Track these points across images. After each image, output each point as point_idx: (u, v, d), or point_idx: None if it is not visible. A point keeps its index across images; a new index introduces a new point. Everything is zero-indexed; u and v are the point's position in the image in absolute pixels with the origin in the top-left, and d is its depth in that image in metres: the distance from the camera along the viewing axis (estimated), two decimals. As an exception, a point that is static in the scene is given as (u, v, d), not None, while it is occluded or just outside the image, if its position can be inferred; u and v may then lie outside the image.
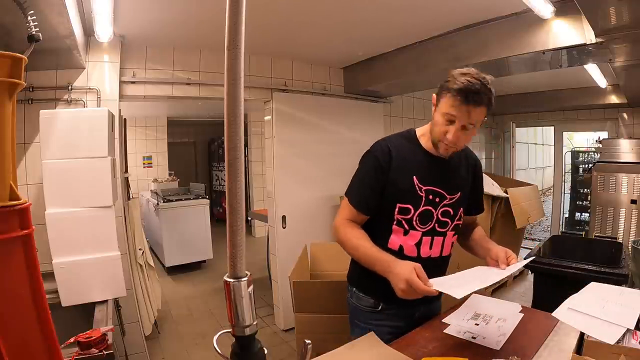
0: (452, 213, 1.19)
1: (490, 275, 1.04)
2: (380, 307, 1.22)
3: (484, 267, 1.15)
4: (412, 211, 1.14)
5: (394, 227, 1.16)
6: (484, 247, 1.22)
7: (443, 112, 1.07)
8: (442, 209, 1.17)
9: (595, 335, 0.96)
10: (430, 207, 1.15)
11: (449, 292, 0.91)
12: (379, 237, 1.16)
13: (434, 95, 1.14)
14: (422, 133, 1.22)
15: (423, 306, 1.24)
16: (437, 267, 1.21)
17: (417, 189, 1.14)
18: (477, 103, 1.03)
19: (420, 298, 1.07)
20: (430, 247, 1.18)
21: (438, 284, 0.95)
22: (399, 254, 1.15)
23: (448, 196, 1.18)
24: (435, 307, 1.32)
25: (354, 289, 1.29)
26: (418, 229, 1.15)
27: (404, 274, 0.95)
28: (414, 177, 1.14)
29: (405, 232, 1.15)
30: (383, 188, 1.15)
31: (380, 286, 1.15)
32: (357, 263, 1.25)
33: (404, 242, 1.16)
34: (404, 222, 1.15)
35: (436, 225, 1.18)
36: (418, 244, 1.16)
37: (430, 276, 0.98)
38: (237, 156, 0.51)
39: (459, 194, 1.20)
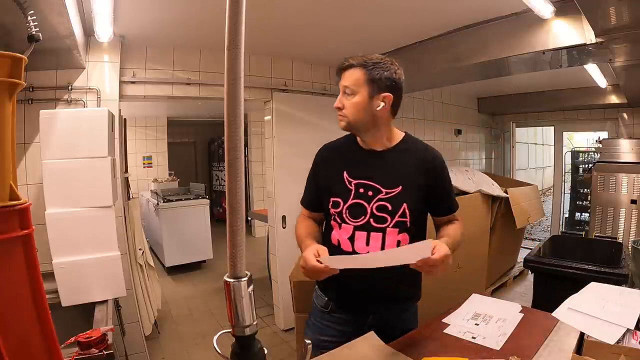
0: (390, 208, 1.13)
1: (390, 258, 1.03)
2: (329, 308, 1.23)
3: (391, 250, 1.13)
4: (342, 204, 1.16)
5: (332, 222, 1.20)
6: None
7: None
8: (377, 204, 1.14)
9: (595, 335, 0.96)
10: (361, 201, 1.15)
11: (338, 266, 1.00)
12: (326, 233, 1.23)
13: None
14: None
15: (375, 315, 1.19)
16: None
17: (347, 182, 1.17)
18: (347, 67, 1.16)
19: (372, 306, 1.19)
20: (367, 243, 1.15)
21: (331, 261, 1.00)
22: (338, 248, 1.17)
23: (384, 190, 1.15)
24: (390, 316, 1.21)
25: (316, 285, 1.31)
26: (349, 222, 1.16)
27: (304, 253, 1.04)
28: (344, 171, 1.18)
29: (339, 226, 1.18)
30: (318, 185, 1.25)
31: (334, 287, 1.21)
32: None
33: (339, 237, 1.18)
34: (336, 215, 1.18)
35: (371, 220, 1.14)
36: (351, 239, 1.16)
37: (376, 273, 0.98)
38: (237, 156, 0.51)
39: (399, 188, 1.14)
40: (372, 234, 1.15)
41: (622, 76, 2.84)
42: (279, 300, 3.08)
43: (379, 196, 1.15)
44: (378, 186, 1.15)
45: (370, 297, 1.18)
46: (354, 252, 1.15)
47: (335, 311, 1.22)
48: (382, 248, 1.15)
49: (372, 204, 1.15)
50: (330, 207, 1.18)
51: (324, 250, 1.03)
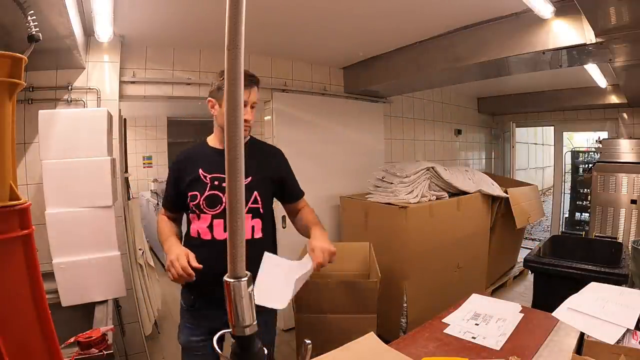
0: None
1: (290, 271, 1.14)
2: (196, 305, 1.33)
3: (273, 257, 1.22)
4: (199, 196, 1.30)
5: (190, 215, 1.34)
6: (309, 235, 1.36)
7: None
8: None
9: (595, 335, 0.96)
10: (216, 192, 1.30)
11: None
12: (187, 229, 1.36)
13: (211, 99, 1.35)
14: (210, 137, 1.43)
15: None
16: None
17: (203, 177, 1.31)
18: (252, 83, 1.36)
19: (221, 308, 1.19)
20: (225, 230, 1.17)
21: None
22: (198, 239, 1.30)
23: None
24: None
25: (181, 285, 1.34)
26: (207, 212, 1.29)
27: (176, 252, 1.14)
28: (200, 169, 1.32)
29: (198, 217, 1.31)
30: (177, 186, 1.36)
31: (197, 283, 1.21)
32: None
33: (199, 227, 1.30)
34: (194, 207, 1.30)
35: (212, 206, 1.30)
36: (210, 227, 1.29)
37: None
38: (237, 156, 0.51)
39: (248, 179, 1.30)
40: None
41: (622, 76, 2.84)
42: (279, 300, 3.07)
43: None
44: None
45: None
46: (213, 239, 1.29)
47: (202, 308, 1.32)
48: (247, 236, 1.20)
49: (221, 191, 1.30)
50: (189, 201, 1.31)
51: (193, 256, 1.14)
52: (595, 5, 1.59)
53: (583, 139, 6.78)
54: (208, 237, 1.29)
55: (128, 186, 2.84)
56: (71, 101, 2.15)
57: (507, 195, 3.23)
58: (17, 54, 0.79)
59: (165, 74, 2.53)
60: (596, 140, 5.39)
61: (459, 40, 2.43)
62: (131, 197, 2.92)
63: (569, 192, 5.56)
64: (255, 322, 0.56)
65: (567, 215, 5.45)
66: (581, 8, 1.65)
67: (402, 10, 2.10)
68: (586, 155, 5.60)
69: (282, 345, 2.83)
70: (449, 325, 1.17)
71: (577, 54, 2.19)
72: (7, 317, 0.74)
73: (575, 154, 5.62)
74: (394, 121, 3.91)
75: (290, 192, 1.49)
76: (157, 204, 4.48)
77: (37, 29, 1.29)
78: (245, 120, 1.27)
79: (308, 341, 0.68)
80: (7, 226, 0.76)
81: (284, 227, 3.03)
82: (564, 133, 5.29)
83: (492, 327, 1.14)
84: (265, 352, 0.60)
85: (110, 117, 2.00)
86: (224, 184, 1.25)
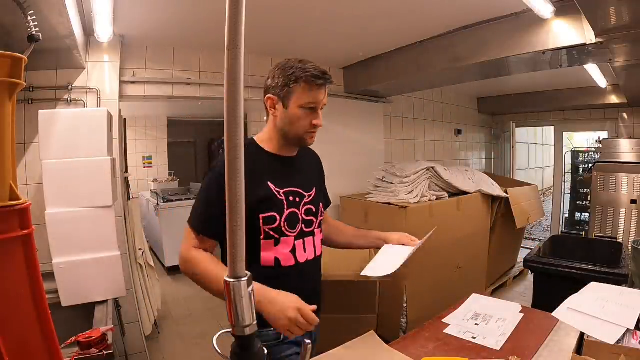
0: (314, 210, 1.16)
1: (403, 250, 1.20)
2: (282, 337, 1.07)
3: (391, 246, 1.26)
4: (278, 218, 1.06)
5: (263, 241, 1.06)
6: (373, 237, 1.30)
7: (302, 103, 1.04)
8: (304, 208, 1.13)
9: (595, 335, 0.96)
10: (294, 209, 1.10)
11: (380, 273, 1.09)
12: (250, 259, 1.05)
13: (271, 96, 1.07)
14: (263, 139, 1.13)
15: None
16: (315, 267, 1.19)
17: (276, 193, 1.07)
18: (328, 82, 1.06)
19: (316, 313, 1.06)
20: (305, 250, 1.13)
21: (371, 271, 1.10)
22: (277, 268, 1.07)
23: (306, 194, 1.14)
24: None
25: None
26: (289, 234, 1.08)
27: (291, 301, 0.89)
28: (268, 182, 1.07)
29: (277, 242, 1.07)
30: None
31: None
32: None
33: (278, 254, 1.07)
34: (271, 232, 1.06)
35: (303, 226, 1.12)
36: (293, 251, 1.09)
37: (312, 278, 1.03)
38: (237, 156, 0.51)
39: (314, 189, 1.18)
40: (307, 239, 1.13)
41: (622, 76, 2.84)
42: (279, 300, 3.07)
43: (305, 200, 1.14)
44: (301, 190, 1.13)
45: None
46: (297, 264, 1.09)
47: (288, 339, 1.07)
48: (315, 251, 1.17)
49: (301, 209, 1.12)
50: (261, 224, 1.05)
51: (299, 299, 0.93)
52: (595, 5, 1.59)
53: (583, 139, 6.78)
54: (291, 262, 1.09)
55: (128, 186, 2.84)
56: (71, 101, 2.15)
57: (507, 195, 3.23)
58: (17, 54, 0.79)
59: (165, 74, 2.53)
60: (596, 140, 5.39)
61: (459, 40, 2.43)
62: (131, 197, 2.92)
63: (569, 192, 5.56)
64: (255, 322, 0.56)
65: (567, 215, 5.45)
66: (581, 8, 1.65)
67: (402, 11, 2.10)
68: (586, 155, 5.60)
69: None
70: (449, 325, 1.17)
71: (577, 54, 2.19)
72: (7, 317, 0.74)
73: (575, 154, 5.62)
74: (394, 121, 3.91)
75: (325, 198, 1.32)
76: (157, 204, 4.48)
77: (37, 29, 1.29)
78: (317, 126, 1.09)
79: (308, 341, 0.69)
80: (7, 226, 0.76)
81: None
82: (564, 133, 5.29)
83: (492, 327, 1.13)
84: (265, 352, 0.60)
85: (110, 117, 2.00)
86: (297, 199, 1.11)
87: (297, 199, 1.11)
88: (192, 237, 1.05)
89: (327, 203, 1.33)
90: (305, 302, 0.94)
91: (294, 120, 1.06)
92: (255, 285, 0.88)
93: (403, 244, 1.26)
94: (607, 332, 0.96)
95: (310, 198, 1.16)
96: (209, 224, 1.04)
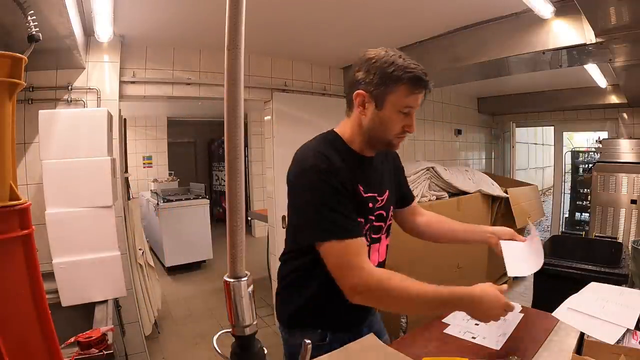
0: (384, 215, 1.08)
1: (523, 246, 1.16)
2: (327, 339, 1.05)
3: (508, 242, 1.19)
4: (363, 224, 1.00)
5: None
6: (484, 231, 1.22)
7: (399, 106, 0.93)
8: (376, 213, 1.05)
9: (595, 335, 0.96)
10: (370, 216, 1.03)
11: (530, 271, 1.07)
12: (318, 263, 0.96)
13: (362, 92, 0.94)
14: (346, 137, 1.03)
15: (367, 329, 1.14)
16: None
17: (364, 198, 0.99)
18: (428, 87, 0.96)
19: (364, 321, 1.13)
20: (369, 257, 1.04)
21: (518, 270, 1.08)
22: None
23: (379, 198, 1.06)
24: (378, 330, 1.19)
25: (291, 330, 1.11)
26: (369, 240, 1.04)
27: (499, 299, 0.91)
28: (359, 185, 0.98)
29: None
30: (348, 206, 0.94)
31: (327, 315, 1.05)
32: (291, 299, 1.10)
33: None
34: None
35: (371, 233, 1.05)
36: (368, 255, 1.03)
37: None
38: (237, 156, 0.51)
39: (387, 193, 1.09)
40: (372, 246, 1.06)
41: (622, 76, 2.84)
42: (279, 300, 3.07)
43: (377, 205, 1.05)
44: (376, 195, 1.05)
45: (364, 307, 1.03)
46: None
47: (333, 338, 1.06)
48: (378, 257, 1.10)
49: (373, 215, 1.04)
50: None
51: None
52: (595, 5, 1.59)
53: (583, 139, 6.78)
54: None
55: (128, 186, 2.85)
56: (71, 101, 2.15)
57: (507, 195, 3.23)
58: (17, 54, 0.79)
59: (165, 74, 2.53)
60: (596, 140, 5.39)
61: (459, 40, 2.43)
62: (131, 197, 2.92)
63: (569, 192, 5.57)
64: (255, 322, 0.56)
65: (567, 215, 5.45)
66: (581, 8, 1.65)
67: (402, 10, 2.10)
68: (586, 155, 5.60)
69: (281, 345, 2.83)
70: (449, 325, 1.16)
71: (577, 54, 2.19)
72: (7, 317, 0.74)
73: (575, 154, 5.63)
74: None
75: (409, 194, 1.26)
76: (157, 204, 4.48)
77: (37, 29, 1.29)
78: (409, 132, 0.99)
79: (308, 341, 0.68)
80: (7, 226, 0.76)
81: (284, 227, 3.03)
82: (564, 133, 5.29)
83: (492, 327, 1.13)
84: (265, 352, 0.60)
85: (110, 117, 2.00)
86: (371, 204, 1.02)
87: (371, 205, 1.03)
88: (353, 247, 0.90)
89: (411, 197, 1.27)
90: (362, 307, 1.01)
91: (386, 123, 0.95)
92: (457, 289, 0.96)
93: (512, 239, 1.18)
94: (607, 332, 0.96)
95: (383, 202, 1.07)
96: (353, 226, 0.93)
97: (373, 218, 1.04)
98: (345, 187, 0.93)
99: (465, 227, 1.26)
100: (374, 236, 1.06)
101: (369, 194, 1.01)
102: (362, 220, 0.99)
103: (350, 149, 1.02)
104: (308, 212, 0.93)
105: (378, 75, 0.92)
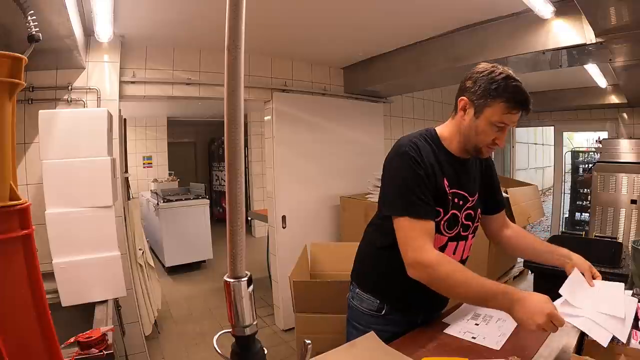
0: (473, 215, 1.17)
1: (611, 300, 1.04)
2: (384, 312, 1.17)
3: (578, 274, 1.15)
4: (442, 215, 1.08)
5: None
6: (560, 254, 1.22)
7: (494, 120, 1.02)
8: (465, 212, 1.14)
9: (595, 336, 0.96)
10: (456, 211, 1.11)
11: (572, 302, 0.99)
12: (393, 251, 1.08)
13: (465, 99, 1.06)
14: (445, 136, 1.13)
15: (426, 314, 1.22)
16: None
17: (447, 192, 1.09)
18: (528, 111, 1.06)
19: (426, 305, 1.18)
20: (454, 252, 1.16)
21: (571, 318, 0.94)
22: None
23: (470, 198, 1.15)
24: (438, 315, 1.27)
25: (358, 289, 1.23)
26: (445, 234, 1.11)
27: (544, 307, 0.88)
28: (444, 179, 1.08)
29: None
30: (428, 188, 1.04)
31: (389, 288, 1.16)
32: (364, 260, 1.26)
33: None
34: None
35: (461, 229, 1.14)
36: (442, 249, 1.10)
37: None
38: (237, 156, 0.51)
39: (477, 195, 1.19)
40: (460, 242, 1.16)
41: (622, 76, 2.84)
42: (279, 300, 3.08)
43: (467, 205, 1.14)
44: (466, 194, 1.14)
45: (434, 297, 1.08)
46: None
47: (389, 313, 1.16)
48: (462, 254, 1.19)
49: (462, 213, 1.13)
50: None
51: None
52: (595, 5, 1.59)
53: (583, 139, 6.78)
54: None
55: (128, 186, 2.85)
56: (71, 101, 2.15)
57: (507, 195, 3.23)
58: (17, 54, 0.79)
59: (165, 74, 2.54)
60: (596, 140, 5.39)
61: (459, 40, 2.43)
62: (131, 197, 2.92)
63: (569, 192, 5.57)
64: (255, 322, 0.56)
65: (567, 215, 5.45)
66: (581, 8, 1.65)
67: (402, 10, 2.10)
68: (586, 155, 5.60)
69: (281, 345, 2.83)
70: (449, 325, 1.16)
71: (577, 54, 2.19)
72: (7, 317, 0.74)
73: (575, 154, 5.62)
74: (394, 121, 3.91)
75: (494, 202, 1.29)
76: (157, 204, 4.48)
77: (37, 29, 1.29)
78: (498, 146, 1.07)
79: (308, 341, 0.68)
80: (7, 226, 0.75)
81: (284, 227, 3.03)
82: (564, 133, 5.29)
83: (492, 327, 1.13)
84: (265, 352, 0.60)
85: (110, 117, 2.00)
86: (461, 202, 1.12)
87: (461, 202, 1.12)
88: (420, 228, 1.00)
89: (501, 206, 1.31)
90: (442, 300, 1.18)
91: (479, 132, 1.05)
92: (502, 287, 0.96)
93: (582, 272, 1.17)
94: (606, 329, 0.96)
95: (473, 203, 1.16)
96: (426, 209, 1.02)
97: (459, 214, 1.12)
98: (427, 177, 1.04)
99: (546, 248, 1.28)
100: (462, 233, 1.15)
101: (454, 190, 1.10)
102: (442, 210, 1.08)
103: (442, 147, 1.12)
104: (392, 189, 1.08)
105: (482, 87, 1.02)
